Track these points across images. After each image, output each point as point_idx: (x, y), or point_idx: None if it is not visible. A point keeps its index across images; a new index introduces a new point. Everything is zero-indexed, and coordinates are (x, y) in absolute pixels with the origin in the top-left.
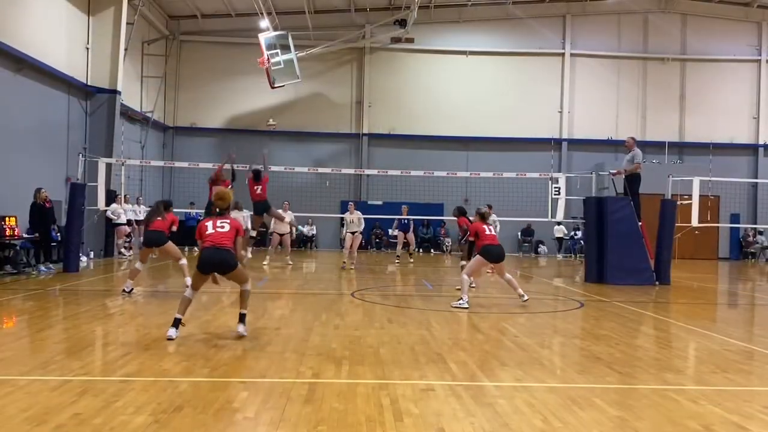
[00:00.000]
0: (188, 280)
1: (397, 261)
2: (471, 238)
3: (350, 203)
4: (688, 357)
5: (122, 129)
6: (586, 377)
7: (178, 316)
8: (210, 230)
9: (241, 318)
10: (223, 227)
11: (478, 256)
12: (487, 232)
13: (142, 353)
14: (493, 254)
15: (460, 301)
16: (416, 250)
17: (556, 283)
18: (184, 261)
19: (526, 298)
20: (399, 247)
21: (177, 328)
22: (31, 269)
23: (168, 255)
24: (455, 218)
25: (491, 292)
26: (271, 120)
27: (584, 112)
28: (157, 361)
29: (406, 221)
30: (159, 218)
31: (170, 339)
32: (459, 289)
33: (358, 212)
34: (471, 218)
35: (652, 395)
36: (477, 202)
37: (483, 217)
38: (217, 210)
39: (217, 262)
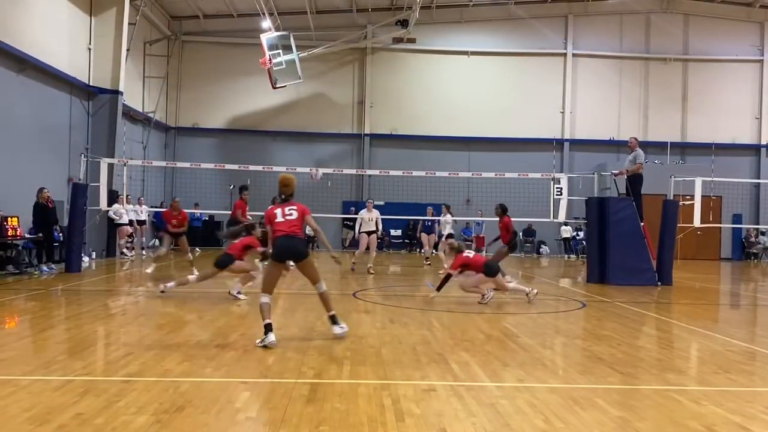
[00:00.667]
0: (238, 287)
1: (428, 263)
2: (453, 271)
3: (369, 200)
4: (690, 357)
5: (124, 129)
6: (587, 378)
7: (267, 321)
8: (279, 218)
9: (332, 319)
10: (291, 215)
11: (480, 275)
12: (471, 256)
13: (144, 353)
14: (493, 269)
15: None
16: (432, 252)
17: (558, 283)
18: (256, 277)
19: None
20: (428, 248)
21: (272, 331)
22: (33, 269)
23: (237, 273)
24: (497, 218)
25: (495, 294)
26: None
27: (586, 112)
28: (159, 362)
29: (430, 222)
30: (235, 241)
31: (270, 346)
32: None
33: (377, 211)
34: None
35: (654, 396)
36: (478, 202)
37: (459, 250)
38: (282, 197)
39: (292, 251)
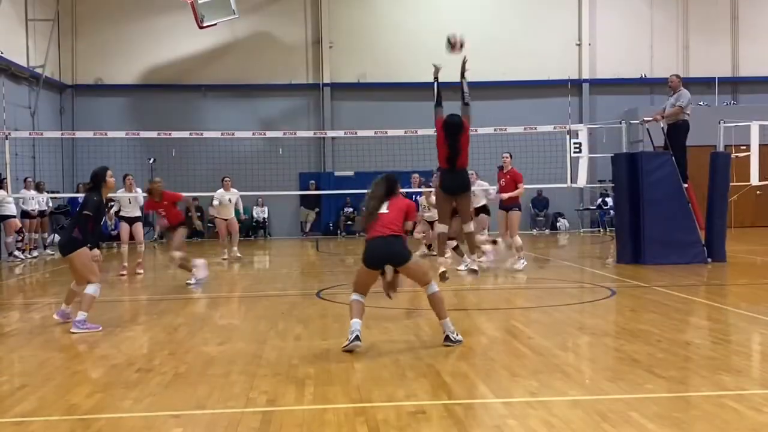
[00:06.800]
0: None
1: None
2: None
3: None
4: (751, 354)
5: (2, 91)
6: (619, 386)
7: None
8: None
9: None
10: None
11: None
12: None
13: (42, 385)
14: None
15: None
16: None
17: (580, 265)
18: None
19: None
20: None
21: None
22: None
23: None
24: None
25: (499, 283)
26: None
27: (609, 44)
28: (62, 395)
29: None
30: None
31: None
32: None
33: None
34: None
35: (705, 404)
36: (475, 165)
37: None
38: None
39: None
